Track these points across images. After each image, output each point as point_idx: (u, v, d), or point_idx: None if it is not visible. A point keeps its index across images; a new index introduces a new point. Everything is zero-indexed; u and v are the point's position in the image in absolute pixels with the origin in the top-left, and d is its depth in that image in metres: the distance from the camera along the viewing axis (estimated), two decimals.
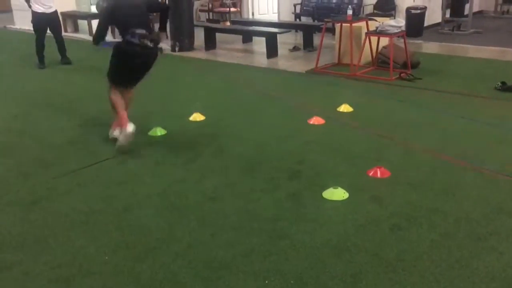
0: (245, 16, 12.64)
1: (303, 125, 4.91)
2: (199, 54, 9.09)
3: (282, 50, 8.93)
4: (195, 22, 10.18)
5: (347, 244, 2.81)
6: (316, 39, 8.67)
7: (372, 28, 7.21)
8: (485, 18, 12.29)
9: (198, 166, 4.01)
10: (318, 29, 9.09)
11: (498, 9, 12.81)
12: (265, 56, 8.56)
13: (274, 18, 12.41)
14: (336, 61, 7.84)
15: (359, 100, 5.76)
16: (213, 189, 3.59)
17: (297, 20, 11.39)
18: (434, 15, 10.60)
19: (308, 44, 9.11)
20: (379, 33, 6.93)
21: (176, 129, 4.90)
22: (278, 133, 4.73)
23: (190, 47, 9.30)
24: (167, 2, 9.21)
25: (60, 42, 8.10)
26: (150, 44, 4.25)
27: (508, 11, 12.70)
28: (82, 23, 11.65)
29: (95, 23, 11.11)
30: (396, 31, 6.79)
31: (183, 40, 9.19)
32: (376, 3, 10.37)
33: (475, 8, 11.91)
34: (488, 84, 6.05)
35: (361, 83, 6.65)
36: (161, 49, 4.39)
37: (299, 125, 4.93)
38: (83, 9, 11.87)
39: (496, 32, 10.31)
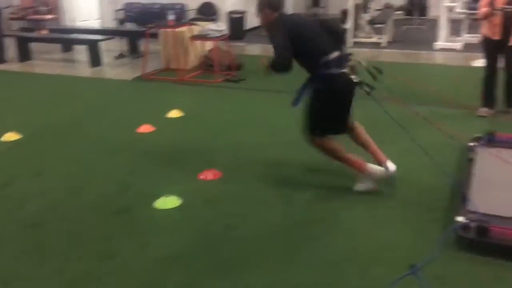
0: (64, 23, 11.84)
1: (132, 135, 4.76)
2: (12, 66, 8.26)
3: (107, 58, 8.58)
4: (5, 32, 9.20)
5: (182, 252, 2.79)
6: (142, 45, 8.51)
7: (195, 32, 7.34)
8: None
9: (15, 191, 3.61)
10: (143, 35, 8.95)
11: (309, 11, 14.07)
12: (88, 65, 8.12)
13: (96, 24, 11.87)
14: (163, 66, 7.80)
15: (189, 104, 5.80)
16: (34, 214, 3.26)
17: (121, 26, 11.06)
18: (254, 18, 11.18)
19: (134, 51, 8.90)
20: (202, 37, 7.08)
21: None
22: (105, 146, 4.50)
23: (0, 59, 8.39)
24: None
25: None
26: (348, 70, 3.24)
27: (317, 14, 14.03)
28: None
29: None
30: (218, 34, 7.01)
31: None
32: (199, 8, 10.59)
33: (289, 11, 12.92)
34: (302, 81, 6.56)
35: (189, 87, 6.71)
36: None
37: (128, 135, 4.76)
38: None
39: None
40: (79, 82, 7.32)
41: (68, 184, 3.72)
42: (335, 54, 3.20)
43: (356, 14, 9.63)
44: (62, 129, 5.03)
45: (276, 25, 3.27)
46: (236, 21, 10.15)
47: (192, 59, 7.58)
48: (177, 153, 4.30)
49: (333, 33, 3.41)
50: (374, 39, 9.64)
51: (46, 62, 8.66)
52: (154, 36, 7.93)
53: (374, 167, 3.32)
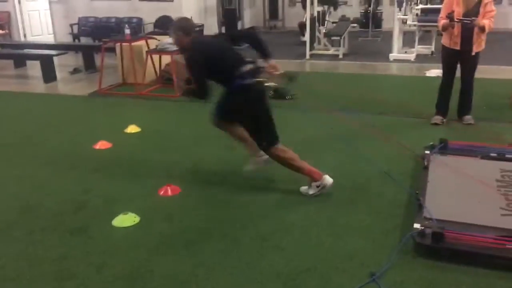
0: (16, 38, 11.50)
1: (89, 152, 4.64)
2: None
3: (61, 73, 8.39)
4: None
5: (141, 270, 2.72)
6: (98, 60, 8.35)
7: (152, 46, 7.27)
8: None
9: None
10: (99, 49, 8.80)
11: (267, 24, 14.23)
12: (42, 81, 7.89)
13: (50, 39, 11.60)
14: (120, 81, 7.68)
15: (147, 119, 5.72)
16: None
17: (76, 40, 10.87)
18: (212, 31, 11.21)
19: (89, 66, 8.72)
20: (159, 51, 7.02)
21: None
22: (60, 164, 4.36)
23: None
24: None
25: None
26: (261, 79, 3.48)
27: (275, 26, 14.21)
28: None
29: None
30: (176, 48, 6.94)
31: None
32: (156, 21, 10.52)
33: (247, 24, 13.03)
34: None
35: (147, 102, 6.62)
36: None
37: (84, 152, 4.64)
38: None
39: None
40: (33, 98, 7.10)
41: (20, 204, 3.57)
42: (248, 66, 3.43)
43: (313, 27, 9.80)
44: (15, 148, 4.85)
45: (190, 52, 3.45)
46: None
47: (150, 73, 7.50)
48: (135, 169, 4.21)
49: (253, 41, 3.63)
50: (331, 51, 9.82)
51: None
52: (111, 50, 7.81)
53: (327, 178, 3.50)
